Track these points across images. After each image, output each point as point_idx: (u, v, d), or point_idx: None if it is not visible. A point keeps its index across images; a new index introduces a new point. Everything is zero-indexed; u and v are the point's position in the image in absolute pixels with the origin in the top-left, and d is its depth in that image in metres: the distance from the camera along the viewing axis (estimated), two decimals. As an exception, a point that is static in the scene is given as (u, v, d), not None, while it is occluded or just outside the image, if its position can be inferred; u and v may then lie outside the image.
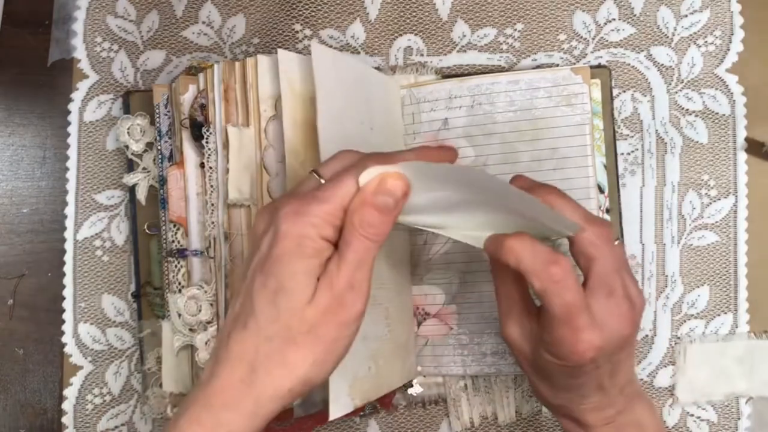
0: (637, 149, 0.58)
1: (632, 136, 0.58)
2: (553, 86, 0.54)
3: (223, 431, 0.37)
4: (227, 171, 0.49)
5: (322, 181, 0.40)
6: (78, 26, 0.58)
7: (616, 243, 0.43)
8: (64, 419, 0.56)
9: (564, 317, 0.39)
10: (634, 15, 0.58)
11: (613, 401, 0.43)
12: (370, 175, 0.38)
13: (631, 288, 0.42)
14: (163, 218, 0.53)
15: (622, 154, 0.57)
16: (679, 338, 0.57)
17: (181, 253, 0.52)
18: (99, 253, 0.57)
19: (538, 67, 0.58)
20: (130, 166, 0.56)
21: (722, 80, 0.58)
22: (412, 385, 0.57)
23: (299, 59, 0.49)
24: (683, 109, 0.58)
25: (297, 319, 0.37)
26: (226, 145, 0.49)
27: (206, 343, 0.49)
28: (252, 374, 0.37)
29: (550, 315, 0.39)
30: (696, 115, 0.58)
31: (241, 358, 0.37)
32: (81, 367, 0.56)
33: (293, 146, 0.48)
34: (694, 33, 0.58)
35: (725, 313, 0.57)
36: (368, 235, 0.38)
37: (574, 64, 0.58)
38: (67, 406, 0.56)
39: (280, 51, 0.48)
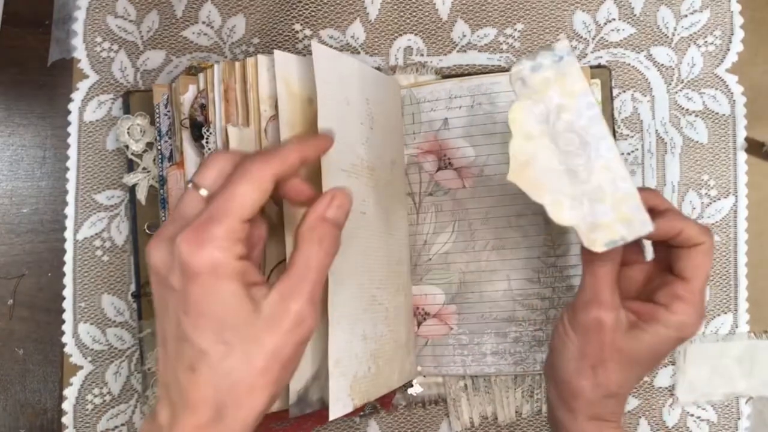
0: (637, 149, 0.58)
1: (632, 136, 0.58)
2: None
3: None
4: (227, 171, 0.49)
5: (203, 192, 0.37)
6: (78, 26, 0.58)
7: None
8: (64, 419, 0.56)
9: (704, 288, 0.43)
10: (634, 15, 0.58)
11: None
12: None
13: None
14: (163, 218, 0.53)
15: (623, 154, 0.57)
16: (679, 338, 0.57)
17: (181, 253, 0.51)
18: (99, 253, 0.57)
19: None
20: (130, 166, 0.56)
21: (722, 80, 0.58)
22: (412, 385, 0.57)
23: (296, 60, 0.49)
24: (683, 109, 0.58)
25: (255, 347, 0.35)
26: (226, 144, 0.49)
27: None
28: (220, 413, 0.35)
29: (697, 284, 0.42)
30: (696, 115, 0.58)
31: (203, 402, 0.35)
32: (81, 367, 0.56)
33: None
34: (694, 33, 0.58)
35: (725, 313, 0.57)
36: (328, 250, 0.37)
37: (574, 64, 0.58)
38: (67, 406, 0.56)
39: (276, 52, 0.48)
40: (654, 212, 0.41)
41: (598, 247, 0.40)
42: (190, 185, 0.38)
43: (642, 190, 0.40)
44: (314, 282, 0.37)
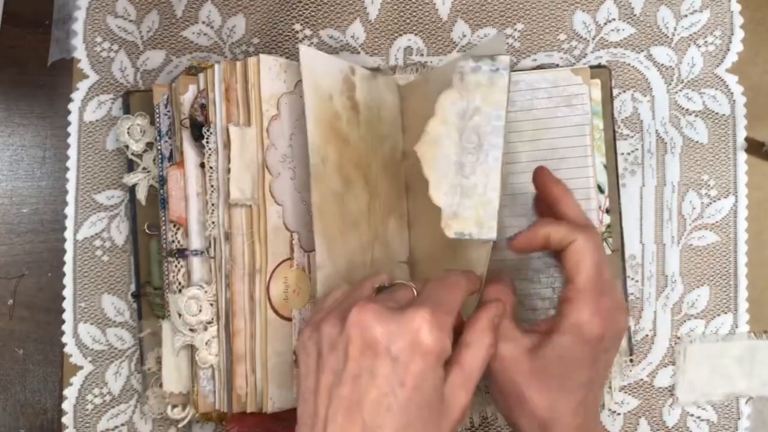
0: (637, 149, 0.58)
1: (632, 136, 0.58)
2: (553, 87, 0.54)
3: None
4: (228, 171, 0.49)
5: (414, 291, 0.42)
6: (78, 26, 0.58)
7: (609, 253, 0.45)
8: (64, 419, 0.56)
9: (591, 282, 0.42)
10: (634, 15, 0.58)
11: (591, 423, 0.44)
12: None
13: (618, 293, 0.44)
14: (163, 218, 0.53)
15: (622, 154, 0.57)
16: (679, 338, 0.57)
17: (181, 253, 0.52)
18: (99, 253, 0.57)
19: (538, 67, 0.58)
20: (130, 166, 0.56)
21: (722, 80, 0.58)
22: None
23: (321, 56, 0.49)
24: (683, 109, 0.58)
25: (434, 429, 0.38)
26: (227, 144, 0.49)
27: (206, 343, 0.49)
28: None
29: (579, 282, 0.42)
30: (696, 115, 0.58)
31: None
32: (81, 367, 0.56)
33: (315, 142, 0.48)
34: (694, 33, 0.58)
35: (725, 313, 0.57)
36: (490, 352, 0.41)
37: (574, 64, 0.58)
38: (67, 406, 0.56)
39: (302, 47, 0.48)
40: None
41: (449, 233, 0.45)
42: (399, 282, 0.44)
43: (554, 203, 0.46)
44: (477, 379, 0.40)
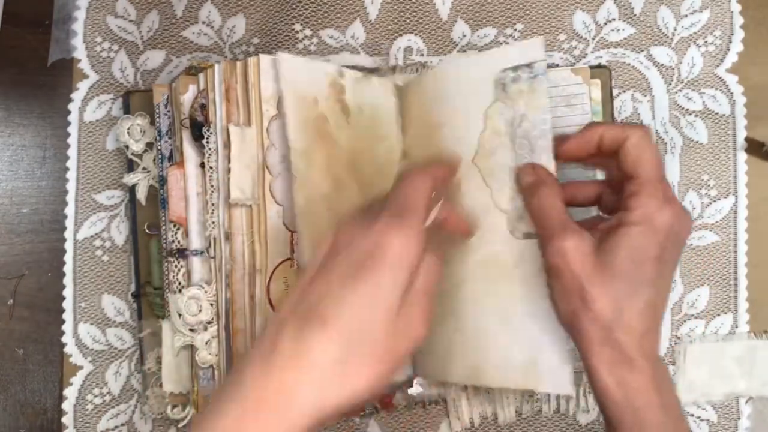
0: (637, 149, 0.58)
1: (632, 136, 0.58)
2: (552, 87, 0.54)
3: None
4: (228, 171, 0.49)
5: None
6: (78, 26, 0.58)
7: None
8: (64, 419, 0.56)
9: (657, 176, 0.41)
10: (634, 15, 0.58)
11: (656, 334, 0.42)
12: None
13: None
14: (163, 218, 0.53)
15: (622, 154, 0.57)
16: (679, 338, 0.57)
17: (181, 253, 0.52)
18: (99, 253, 0.57)
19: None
20: (130, 166, 0.56)
21: (722, 80, 0.58)
22: (411, 385, 0.56)
23: (300, 60, 0.49)
24: (683, 109, 0.58)
25: (385, 333, 0.36)
26: (227, 144, 0.49)
27: (206, 343, 0.49)
28: (327, 378, 0.35)
29: (645, 175, 0.41)
30: (696, 115, 0.58)
31: (315, 358, 0.35)
32: (81, 367, 0.56)
33: (297, 147, 0.48)
34: (694, 33, 0.58)
35: (725, 313, 0.57)
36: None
37: (574, 64, 0.58)
38: (67, 406, 0.56)
39: (279, 53, 0.48)
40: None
41: (517, 235, 0.47)
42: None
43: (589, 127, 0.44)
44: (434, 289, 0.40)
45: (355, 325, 0.36)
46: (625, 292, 0.40)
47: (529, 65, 0.46)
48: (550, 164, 0.45)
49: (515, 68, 0.47)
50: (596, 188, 0.47)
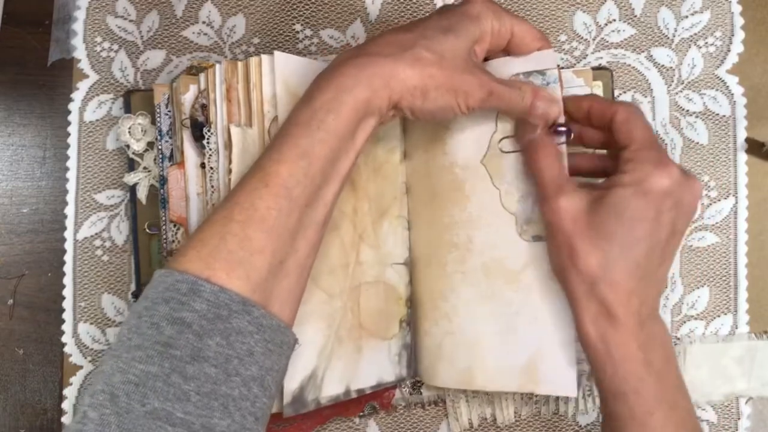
0: (637, 150, 0.58)
1: (632, 137, 0.58)
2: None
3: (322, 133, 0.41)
4: (229, 171, 0.49)
5: None
6: (78, 26, 0.58)
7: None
8: (64, 419, 0.56)
9: (649, 143, 0.43)
10: (635, 16, 0.58)
11: (647, 295, 0.43)
12: None
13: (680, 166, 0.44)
14: (164, 218, 0.53)
15: (623, 154, 0.57)
16: (679, 339, 0.57)
17: (182, 254, 0.51)
18: (99, 252, 0.57)
19: (538, 67, 0.58)
20: (131, 166, 0.56)
21: (722, 81, 0.58)
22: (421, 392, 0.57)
23: (296, 60, 0.49)
24: (683, 110, 0.58)
25: (453, 52, 0.43)
26: (227, 145, 0.49)
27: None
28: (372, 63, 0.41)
29: (637, 143, 0.43)
30: (696, 116, 0.58)
31: (372, 53, 0.42)
32: (81, 367, 0.56)
33: None
34: (695, 34, 0.58)
35: (725, 313, 0.57)
36: None
37: (575, 64, 0.58)
38: (67, 406, 0.56)
39: (276, 53, 0.48)
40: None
41: (526, 237, 0.47)
42: None
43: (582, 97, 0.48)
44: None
45: (439, 43, 0.43)
46: (613, 249, 0.42)
47: (541, 71, 0.47)
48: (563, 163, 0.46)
49: (528, 73, 0.47)
50: (600, 160, 0.49)
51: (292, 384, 0.47)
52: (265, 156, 0.41)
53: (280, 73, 0.48)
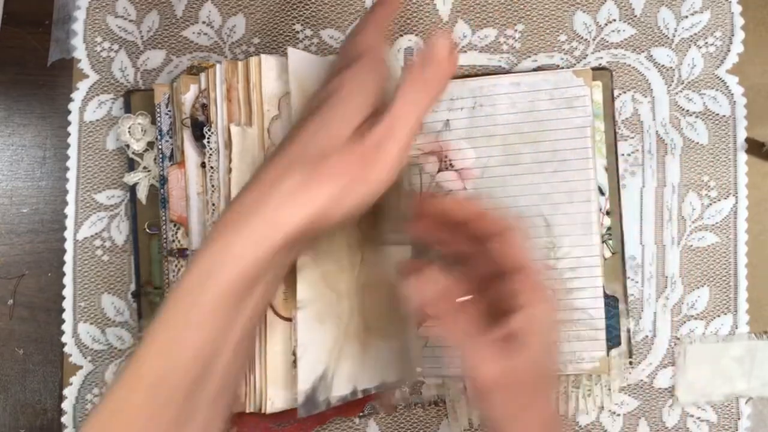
0: (637, 150, 0.58)
1: (632, 137, 0.58)
2: (554, 88, 0.54)
3: (228, 255, 0.38)
4: (229, 170, 0.49)
5: None
6: (78, 26, 0.58)
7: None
8: (64, 419, 0.56)
9: (528, 274, 0.41)
10: (635, 16, 0.58)
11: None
12: None
13: None
14: (164, 218, 0.53)
15: (623, 155, 0.57)
16: (679, 339, 0.57)
17: (182, 253, 0.52)
18: (99, 252, 0.57)
19: (539, 68, 0.58)
20: (131, 166, 0.56)
21: (723, 81, 0.58)
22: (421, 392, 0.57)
23: (309, 58, 0.49)
24: (683, 110, 0.58)
25: (334, 150, 0.39)
26: (228, 144, 0.49)
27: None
28: (273, 192, 0.39)
29: (514, 278, 0.41)
30: (696, 116, 0.58)
31: (265, 180, 0.39)
32: (81, 367, 0.56)
33: None
34: (695, 34, 0.58)
35: (725, 313, 0.57)
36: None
37: (575, 64, 0.58)
38: (67, 405, 0.56)
39: (290, 49, 0.48)
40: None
41: None
42: None
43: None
44: (407, 119, 0.41)
45: (313, 147, 0.39)
46: (521, 403, 0.40)
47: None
48: None
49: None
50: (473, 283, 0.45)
51: (304, 385, 0.47)
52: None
53: (294, 70, 0.48)
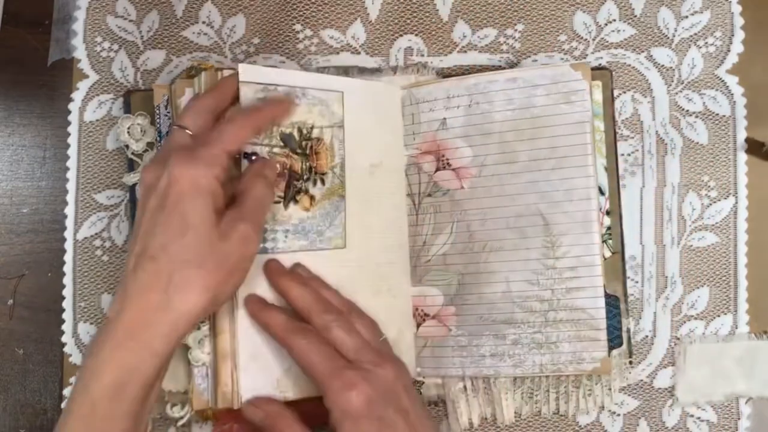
0: (637, 150, 0.58)
1: (632, 137, 0.58)
2: (552, 83, 0.54)
3: (146, 354, 0.41)
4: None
5: (189, 132, 0.46)
6: (78, 26, 0.58)
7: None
8: (64, 419, 0.56)
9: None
10: (635, 16, 0.58)
11: None
12: None
13: None
14: (163, 218, 0.53)
15: (623, 155, 0.57)
16: (678, 339, 0.57)
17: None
18: (99, 252, 0.57)
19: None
20: (131, 166, 0.56)
21: (722, 81, 0.58)
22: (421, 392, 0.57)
23: (259, 71, 0.49)
24: (683, 110, 0.58)
25: (208, 248, 0.42)
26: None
27: (199, 342, 0.49)
28: (168, 301, 0.41)
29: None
30: (696, 116, 0.58)
31: (153, 286, 0.41)
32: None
33: None
34: (695, 34, 0.58)
35: (725, 313, 0.57)
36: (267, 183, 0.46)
37: (575, 64, 0.58)
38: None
39: (240, 65, 0.48)
40: None
41: None
42: (176, 127, 0.46)
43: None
44: (258, 214, 0.45)
45: (174, 252, 0.41)
46: None
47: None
48: None
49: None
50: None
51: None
52: None
53: (245, 84, 0.48)
